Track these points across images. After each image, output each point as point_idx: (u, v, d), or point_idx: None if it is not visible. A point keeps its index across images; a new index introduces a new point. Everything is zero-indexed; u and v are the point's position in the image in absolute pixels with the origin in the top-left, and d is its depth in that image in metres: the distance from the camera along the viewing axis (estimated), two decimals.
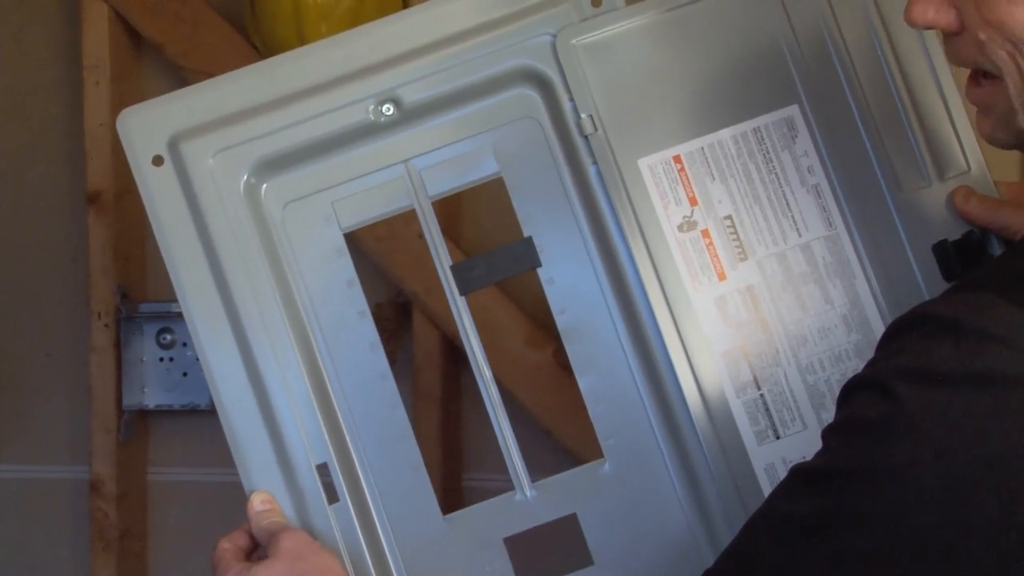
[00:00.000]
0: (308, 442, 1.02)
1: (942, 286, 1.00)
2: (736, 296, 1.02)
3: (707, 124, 1.02)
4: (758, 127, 1.03)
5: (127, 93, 1.89)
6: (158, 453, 1.97)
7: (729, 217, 1.03)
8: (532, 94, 1.04)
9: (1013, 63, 0.89)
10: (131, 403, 1.86)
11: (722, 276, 1.02)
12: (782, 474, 1.02)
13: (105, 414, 1.88)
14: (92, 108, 1.85)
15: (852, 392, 0.80)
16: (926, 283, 1.02)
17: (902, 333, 0.79)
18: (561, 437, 1.77)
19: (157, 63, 1.87)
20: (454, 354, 1.82)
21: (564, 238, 1.04)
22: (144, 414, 1.90)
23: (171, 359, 1.89)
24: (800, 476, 0.82)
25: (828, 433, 0.81)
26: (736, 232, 1.03)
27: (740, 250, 1.02)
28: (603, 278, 1.04)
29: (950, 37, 0.91)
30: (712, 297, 1.03)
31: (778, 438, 1.02)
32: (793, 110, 1.02)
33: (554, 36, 1.01)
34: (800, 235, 1.03)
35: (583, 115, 1.00)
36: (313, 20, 1.72)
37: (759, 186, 1.03)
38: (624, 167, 1.00)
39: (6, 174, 2.01)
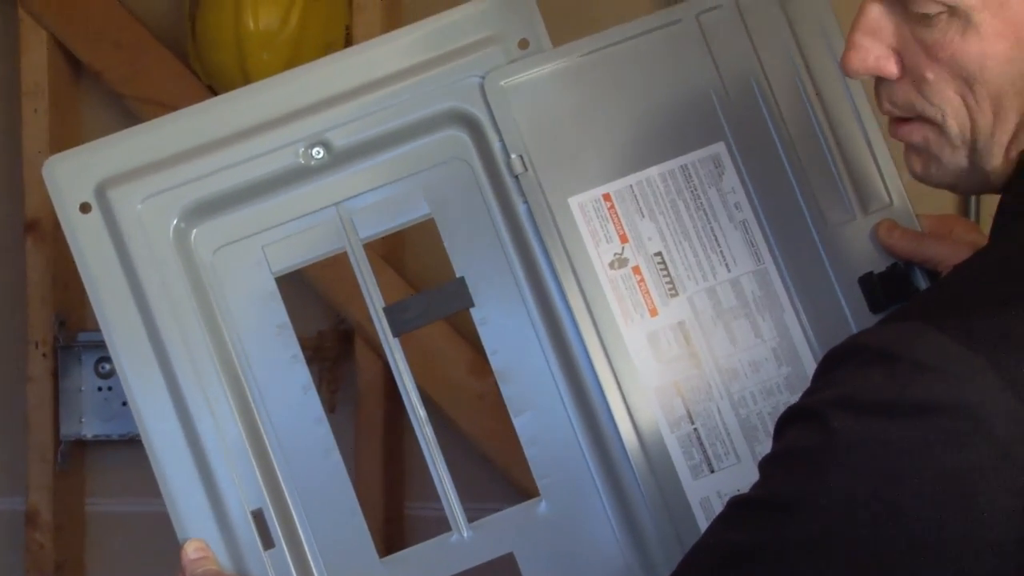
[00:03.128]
0: (242, 488, 1.00)
1: (869, 318, 1.01)
2: (668, 332, 1.02)
3: (635, 162, 1.02)
4: (685, 165, 1.02)
5: (66, 121, 1.92)
6: (96, 483, 1.96)
7: (659, 254, 1.03)
8: (462, 135, 1.04)
9: (960, 100, 0.88)
10: (69, 433, 1.84)
11: (654, 312, 1.02)
12: (718, 508, 1.01)
13: (42, 444, 1.86)
14: (30, 136, 1.87)
15: (788, 423, 0.80)
16: (853, 315, 1.02)
17: (836, 364, 0.79)
18: (503, 465, 1.76)
19: (97, 90, 1.89)
20: (391, 387, 1.80)
21: (497, 278, 1.03)
22: (82, 444, 1.89)
23: (110, 388, 1.89)
24: (738, 507, 0.82)
25: (765, 464, 0.81)
26: (667, 268, 1.02)
27: (671, 286, 1.02)
28: (536, 317, 1.03)
29: (886, 84, 0.91)
30: (644, 333, 1.02)
31: (712, 472, 1.01)
32: (719, 147, 1.02)
33: (482, 78, 1.01)
34: (729, 270, 1.03)
35: (513, 155, 0.99)
36: (254, 48, 1.72)
37: (688, 222, 1.03)
38: (555, 206, 1.00)
39: None
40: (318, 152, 1.01)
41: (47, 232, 1.88)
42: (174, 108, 1.81)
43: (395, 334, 1.02)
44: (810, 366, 1.03)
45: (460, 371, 1.80)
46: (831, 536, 0.74)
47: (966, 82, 0.86)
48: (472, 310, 1.02)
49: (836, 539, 0.74)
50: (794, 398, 0.97)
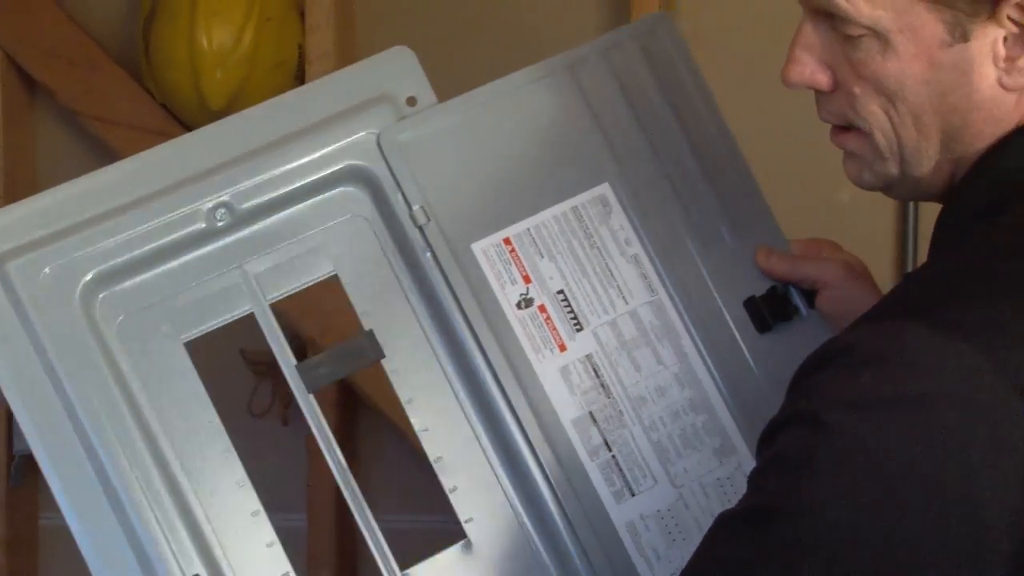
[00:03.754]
0: (177, 556, 0.99)
1: (757, 338, 1.08)
2: (578, 365, 1.05)
3: (530, 206, 1.06)
4: (575, 206, 1.06)
5: (20, 138, 1.94)
6: (50, 498, 1.89)
7: (561, 291, 1.06)
8: (360, 192, 1.05)
9: (884, 115, 0.92)
10: (21, 448, 1.82)
11: (563, 348, 1.05)
12: (642, 530, 1.04)
13: None
14: None
15: (778, 431, 0.81)
16: (742, 337, 1.07)
17: (817, 369, 0.81)
18: None
19: (51, 108, 1.90)
20: (350, 398, 1.84)
21: (405, 328, 1.04)
22: (35, 459, 1.84)
23: None
24: (735, 521, 0.83)
25: (758, 475, 0.82)
26: (570, 305, 1.06)
27: (575, 321, 1.05)
28: (447, 363, 1.04)
29: (823, 95, 0.95)
30: (556, 368, 1.05)
31: (634, 495, 1.04)
32: (605, 188, 1.07)
33: (378, 134, 1.04)
34: (627, 302, 1.07)
35: (415, 207, 1.02)
36: (208, 67, 1.74)
37: (584, 260, 1.07)
38: (459, 253, 1.03)
39: None
40: (221, 215, 1.01)
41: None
42: (128, 126, 1.74)
43: (309, 390, 1.02)
44: (710, 387, 1.07)
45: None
46: (838, 533, 0.75)
47: (888, 99, 0.91)
48: (383, 361, 1.02)
49: (843, 536, 0.75)
50: (699, 418, 1.07)
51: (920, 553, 0.73)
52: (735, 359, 1.10)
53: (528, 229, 1.06)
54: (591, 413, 1.06)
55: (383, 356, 1.01)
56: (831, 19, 0.92)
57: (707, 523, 0.96)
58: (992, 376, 0.73)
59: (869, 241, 1.81)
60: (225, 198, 1.00)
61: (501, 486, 1.04)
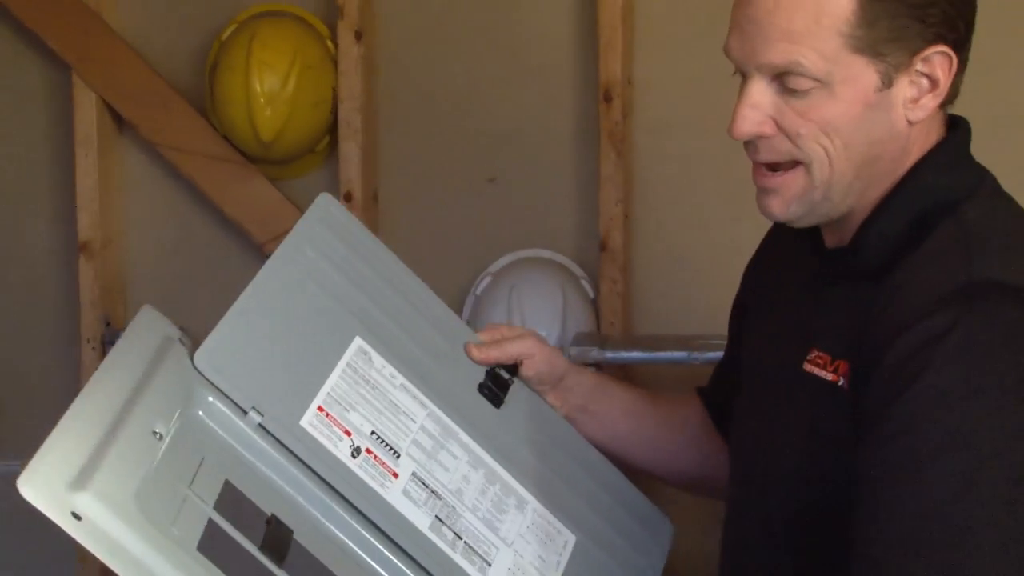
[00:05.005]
0: None
1: (496, 412, 1.28)
2: (411, 484, 1.19)
3: (320, 374, 1.17)
4: (348, 362, 1.19)
5: (110, 163, 2.18)
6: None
7: (373, 431, 1.18)
8: (204, 418, 1.11)
9: (823, 149, 1.07)
10: None
11: (395, 475, 1.18)
12: None
13: None
14: (83, 175, 2.12)
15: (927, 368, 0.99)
16: (489, 415, 1.27)
17: (978, 294, 1.00)
18: None
19: (134, 139, 2.15)
20: None
21: (292, 505, 1.12)
22: None
23: None
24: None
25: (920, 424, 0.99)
26: (383, 440, 1.18)
27: (393, 451, 1.18)
28: (335, 517, 1.14)
29: (764, 140, 1.10)
30: (399, 492, 1.18)
31: (490, 565, 1.22)
32: (358, 341, 1.21)
33: (192, 363, 1.10)
34: (415, 421, 1.22)
35: (248, 412, 1.10)
36: (260, 106, 1.99)
37: (374, 401, 1.20)
38: (296, 433, 1.12)
39: (11, 228, 2.25)
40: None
41: (95, 251, 2.15)
42: (196, 154, 2.00)
43: (279, 564, 1.06)
44: (490, 462, 1.25)
45: None
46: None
47: (828, 136, 1.07)
48: (295, 536, 1.08)
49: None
50: (495, 487, 1.24)
51: None
52: (494, 433, 1.29)
53: (328, 392, 1.17)
54: (437, 516, 1.20)
55: (291, 531, 1.08)
56: (782, 77, 1.07)
57: (539, 564, 1.25)
58: None
59: None
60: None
61: None
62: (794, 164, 1.10)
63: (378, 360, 1.23)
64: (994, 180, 1.16)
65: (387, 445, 1.18)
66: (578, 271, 2.12)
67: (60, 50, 2.14)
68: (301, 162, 2.17)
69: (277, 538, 1.07)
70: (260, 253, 2.18)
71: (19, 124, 2.25)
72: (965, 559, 0.98)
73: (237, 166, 2.15)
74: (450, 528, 1.21)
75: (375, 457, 1.17)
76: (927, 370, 1.02)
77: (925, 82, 1.08)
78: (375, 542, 1.16)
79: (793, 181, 1.11)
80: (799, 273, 1.25)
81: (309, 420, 1.15)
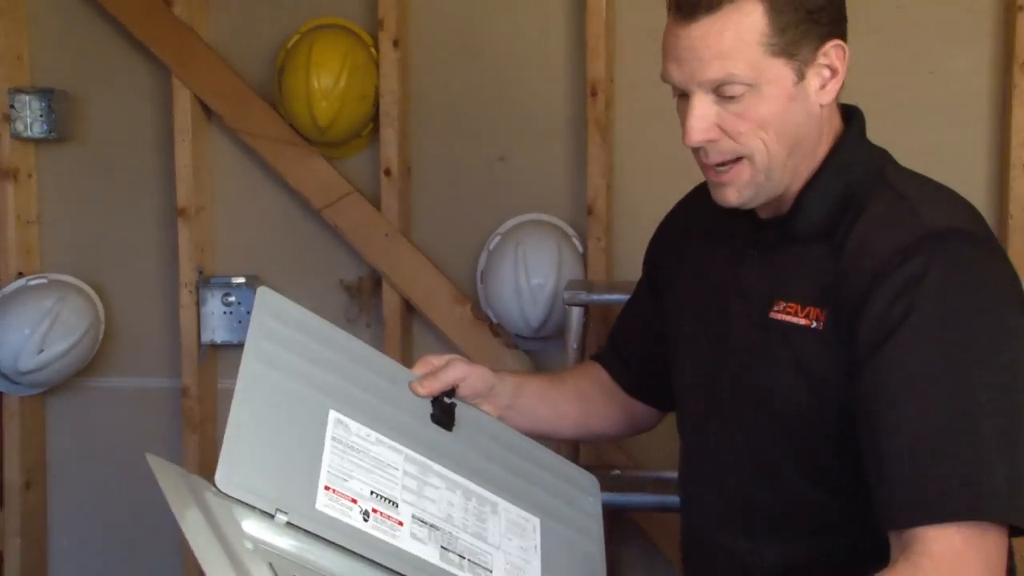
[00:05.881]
0: None
1: (450, 435, 1.32)
2: (414, 526, 1.21)
3: (315, 456, 1.17)
4: (332, 435, 1.20)
5: (201, 147, 2.46)
6: (223, 369, 2.56)
7: (372, 491, 1.20)
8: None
9: (762, 142, 1.15)
10: (206, 340, 2.46)
11: (400, 523, 1.20)
12: None
13: (190, 346, 2.47)
14: (180, 156, 2.41)
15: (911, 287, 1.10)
16: (446, 439, 1.31)
17: (935, 240, 1.12)
18: (473, 355, 2.23)
19: (220, 127, 2.47)
20: (408, 310, 2.37)
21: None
22: (215, 346, 2.49)
23: (231, 312, 2.45)
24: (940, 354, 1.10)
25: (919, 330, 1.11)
26: (381, 495, 1.20)
27: (392, 503, 1.20)
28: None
29: (712, 144, 1.16)
30: (408, 537, 1.21)
31: (491, 572, 1.27)
32: (333, 413, 1.21)
33: (215, 489, 1.08)
34: (397, 468, 1.24)
35: (276, 515, 1.09)
36: (317, 99, 2.24)
37: (363, 463, 1.21)
38: (316, 518, 1.13)
39: (125, 198, 2.56)
40: None
41: (191, 216, 2.45)
42: (266, 138, 2.30)
43: None
44: (461, 480, 1.28)
45: (447, 301, 2.37)
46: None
47: (764, 130, 1.15)
48: None
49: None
50: (471, 502, 1.27)
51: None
52: (455, 454, 1.32)
53: (328, 471, 1.18)
54: (442, 546, 1.24)
55: None
56: (719, 88, 1.14)
57: (522, 554, 1.30)
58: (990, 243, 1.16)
59: None
60: None
61: None
62: (738, 159, 1.18)
63: (353, 425, 1.24)
64: (887, 152, 1.28)
65: (386, 499, 1.21)
66: (570, 231, 2.35)
67: (162, 57, 2.42)
68: (350, 144, 2.42)
69: None
70: (317, 215, 2.42)
71: (130, 116, 2.55)
72: (975, 406, 1.11)
73: (299, 147, 2.41)
74: (454, 552, 1.25)
75: (381, 514, 1.20)
76: (914, 308, 1.12)
77: (827, 72, 1.18)
78: None
79: (740, 173, 1.19)
80: (729, 242, 1.32)
81: (322, 502, 1.16)
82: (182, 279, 2.49)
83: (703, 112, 1.14)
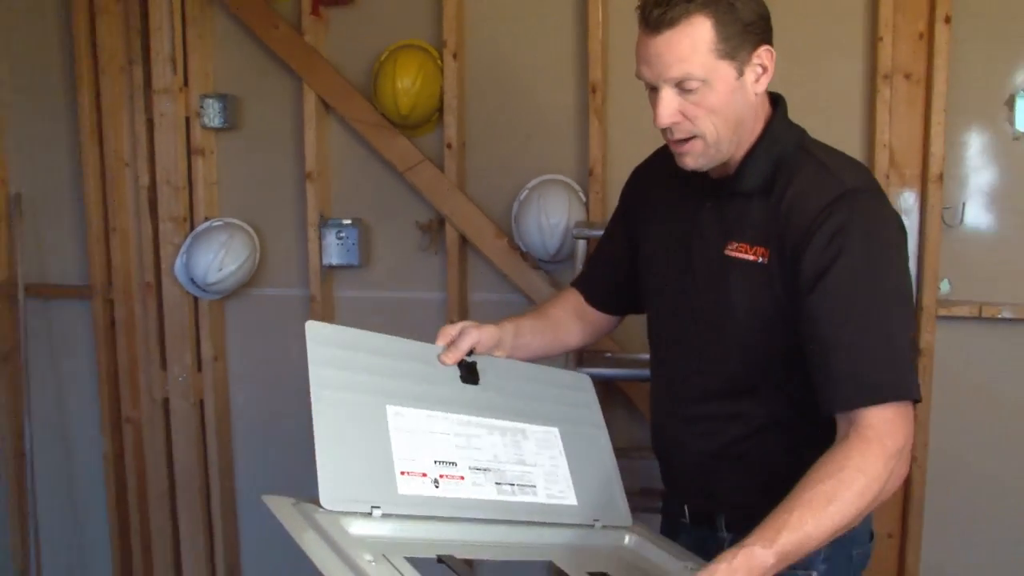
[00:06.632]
0: None
1: (478, 388, 1.36)
2: (472, 475, 1.24)
3: (386, 450, 1.17)
4: (393, 427, 1.19)
5: (322, 132, 2.79)
6: (337, 284, 2.91)
7: (436, 460, 1.21)
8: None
9: (712, 125, 1.28)
10: (326, 262, 2.81)
11: (462, 478, 1.23)
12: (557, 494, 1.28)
13: (314, 268, 2.83)
14: (308, 137, 2.75)
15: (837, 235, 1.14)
16: (479, 391, 1.33)
17: (844, 198, 1.19)
18: (511, 276, 2.65)
19: (334, 117, 2.82)
20: (464, 242, 2.74)
21: (433, 546, 1.16)
22: (331, 267, 2.84)
23: (342, 244, 2.81)
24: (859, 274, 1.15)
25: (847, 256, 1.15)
26: (443, 462, 1.22)
27: (452, 463, 1.24)
28: (462, 531, 1.18)
29: (676, 125, 1.28)
30: (471, 486, 1.22)
31: (535, 487, 1.29)
32: (390, 408, 1.21)
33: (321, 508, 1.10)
34: (447, 434, 1.23)
35: (372, 512, 1.11)
36: (401, 95, 2.58)
37: (420, 439, 1.22)
38: (401, 501, 1.14)
39: (268, 163, 2.87)
40: None
41: (315, 177, 2.80)
42: (365, 122, 2.76)
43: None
44: (497, 422, 1.29)
45: (490, 235, 2.69)
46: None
47: (714, 115, 1.29)
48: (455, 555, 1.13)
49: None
50: (506, 438, 1.27)
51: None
52: (486, 402, 1.35)
53: (398, 459, 1.19)
54: (496, 483, 1.28)
55: (452, 555, 1.12)
56: (679, 84, 1.25)
57: (551, 463, 1.31)
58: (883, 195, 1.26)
59: None
60: None
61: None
62: (694, 137, 1.29)
63: (406, 412, 1.25)
64: (802, 128, 1.37)
65: (446, 463, 1.22)
66: (577, 187, 2.62)
67: (296, 69, 2.77)
68: (423, 127, 2.73)
69: (455, 561, 1.12)
70: (400, 176, 2.71)
71: (275, 111, 2.88)
72: (890, 319, 1.21)
73: (388, 129, 2.72)
74: (505, 483, 1.27)
75: (446, 477, 1.21)
76: (843, 251, 1.22)
77: (760, 68, 1.28)
78: (484, 527, 1.22)
79: (695, 146, 1.31)
80: (689, 195, 1.42)
81: (402, 486, 1.17)
82: (309, 221, 2.83)
83: (668, 102, 1.25)
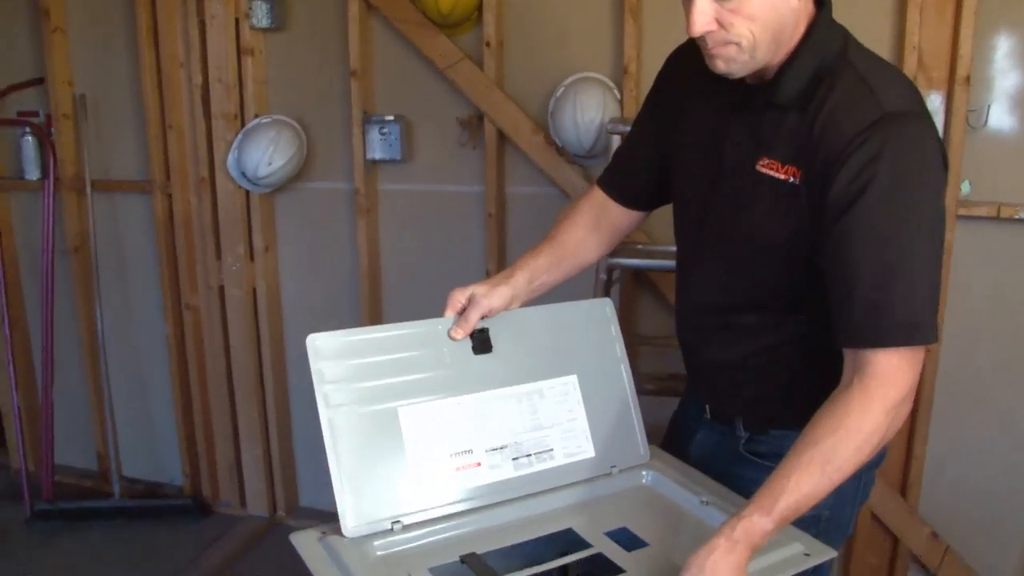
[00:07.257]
0: None
1: (490, 356, 1.29)
2: (489, 458, 1.21)
3: (401, 458, 1.14)
4: (407, 430, 1.15)
5: (366, 32, 2.82)
6: (381, 177, 3.01)
7: (451, 453, 1.18)
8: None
9: (749, 32, 1.19)
10: (370, 157, 2.90)
11: (479, 464, 1.21)
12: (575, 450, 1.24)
13: (359, 162, 2.93)
14: (352, 36, 2.79)
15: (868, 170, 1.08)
16: (495, 360, 1.27)
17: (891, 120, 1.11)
18: (543, 165, 2.69)
19: (378, 17, 2.84)
20: (501, 138, 2.79)
21: (455, 545, 1.14)
22: (374, 161, 2.94)
23: (384, 139, 2.89)
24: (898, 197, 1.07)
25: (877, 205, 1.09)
26: (459, 451, 1.19)
27: (468, 452, 1.23)
28: (484, 520, 1.16)
29: (710, 34, 1.19)
30: (487, 471, 1.20)
31: (552, 450, 1.27)
32: (401, 411, 1.17)
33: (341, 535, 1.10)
34: (459, 421, 1.18)
35: (392, 526, 1.10)
36: None
37: (434, 435, 1.18)
38: (418, 507, 1.12)
39: (318, 65, 2.92)
40: None
41: (359, 75, 2.85)
42: (407, 21, 2.76)
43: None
44: (511, 391, 1.24)
45: (527, 131, 2.73)
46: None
47: (752, 22, 1.20)
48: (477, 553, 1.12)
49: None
50: (522, 405, 1.22)
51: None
52: (500, 370, 1.30)
53: (413, 462, 1.16)
54: (513, 459, 1.26)
55: (474, 552, 1.10)
56: None
57: (568, 416, 1.28)
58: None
59: None
60: None
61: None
62: (729, 43, 1.21)
63: (418, 408, 1.21)
64: (847, 30, 1.26)
65: (461, 452, 1.19)
66: (611, 84, 2.66)
67: None
68: (463, 25, 2.75)
69: (476, 560, 1.10)
70: (441, 73, 2.76)
71: (320, 11, 2.89)
72: (913, 258, 1.14)
73: (429, 27, 2.76)
74: (522, 456, 1.25)
75: (463, 467, 1.18)
76: (873, 180, 1.15)
77: None
78: (503, 508, 1.20)
79: (729, 51, 1.22)
80: (720, 95, 1.33)
81: (421, 490, 1.15)
82: (354, 117, 2.90)
83: (703, 8, 1.18)
